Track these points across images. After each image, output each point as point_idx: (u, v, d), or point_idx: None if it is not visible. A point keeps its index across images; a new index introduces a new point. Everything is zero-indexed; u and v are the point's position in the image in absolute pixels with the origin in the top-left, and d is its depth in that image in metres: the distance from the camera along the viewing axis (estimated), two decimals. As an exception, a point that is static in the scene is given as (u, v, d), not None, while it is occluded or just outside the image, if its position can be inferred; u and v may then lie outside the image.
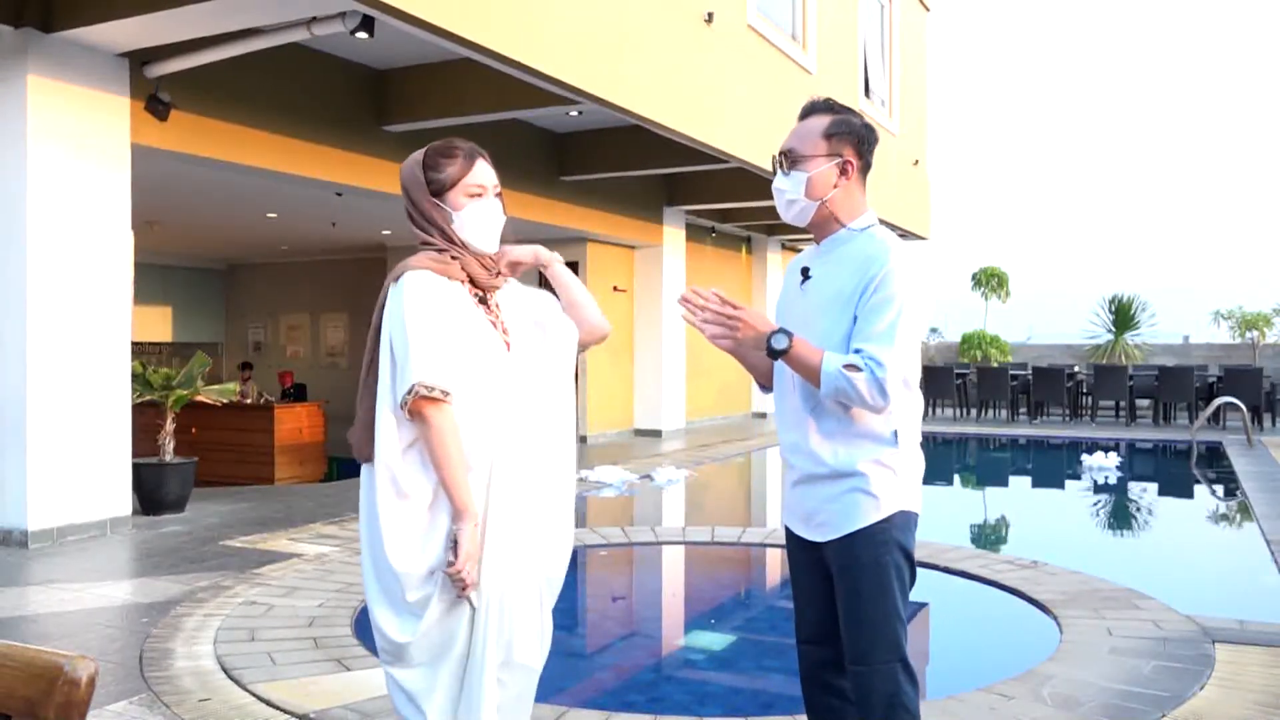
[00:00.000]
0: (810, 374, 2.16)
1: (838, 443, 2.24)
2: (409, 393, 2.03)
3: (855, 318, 2.19)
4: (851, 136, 2.31)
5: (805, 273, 2.35)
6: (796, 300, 2.35)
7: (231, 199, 10.50)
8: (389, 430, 2.09)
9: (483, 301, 2.22)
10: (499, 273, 2.26)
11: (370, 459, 2.13)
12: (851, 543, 2.23)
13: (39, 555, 5.81)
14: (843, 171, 2.30)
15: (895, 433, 2.25)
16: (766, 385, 2.50)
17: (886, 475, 2.23)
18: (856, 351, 2.14)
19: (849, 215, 2.31)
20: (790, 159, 2.32)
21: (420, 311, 2.07)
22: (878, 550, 2.22)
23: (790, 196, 2.32)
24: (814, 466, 2.27)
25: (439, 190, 2.20)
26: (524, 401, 2.20)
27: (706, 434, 13.87)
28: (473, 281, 2.20)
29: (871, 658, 2.22)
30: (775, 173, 2.36)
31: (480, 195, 2.21)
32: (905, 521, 2.26)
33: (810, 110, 2.38)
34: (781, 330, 2.16)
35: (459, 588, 2.04)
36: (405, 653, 2.11)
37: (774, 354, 2.16)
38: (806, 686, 2.44)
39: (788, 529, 2.43)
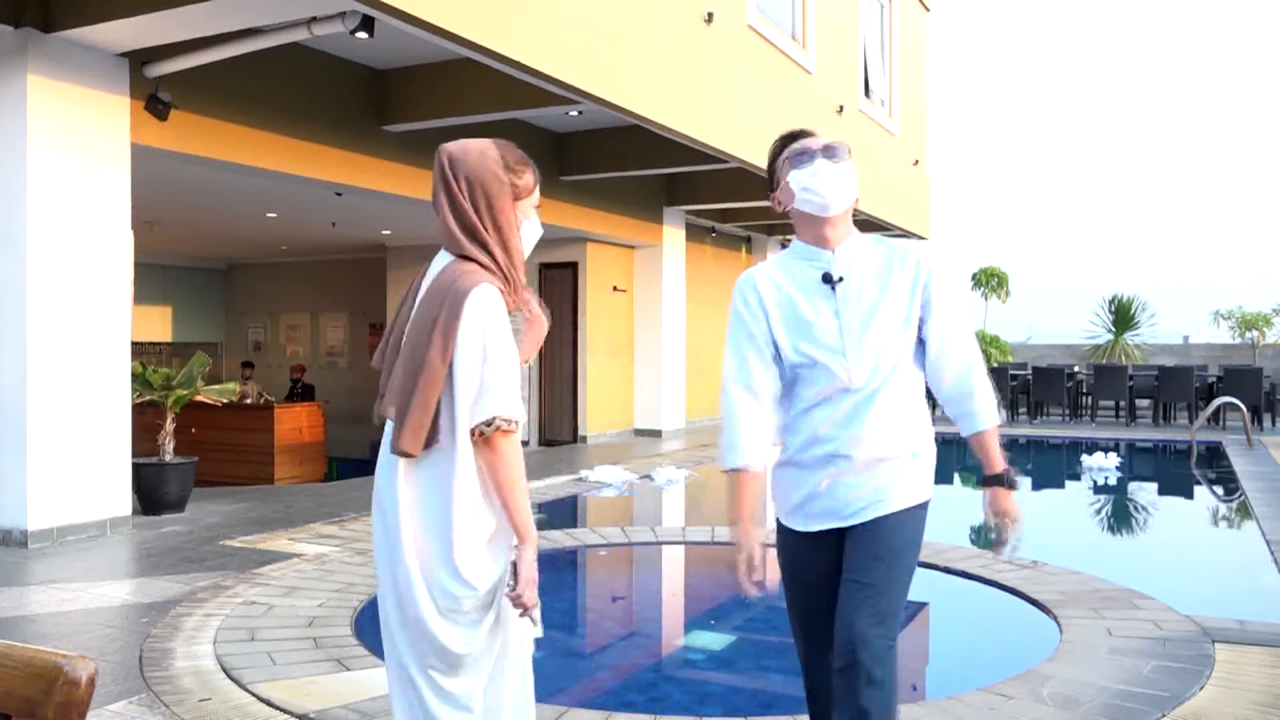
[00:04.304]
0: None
1: (901, 426, 2.33)
2: (488, 424, 2.03)
3: (919, 305, 2.34)
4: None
5: (829, 279, 2.32)
6: (825, 303, 2.32)
7: (231, 199, 10.50)
8: (468, 448, 2.08)
9: None
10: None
11: (418, 451, 2.06)
12: (897, 518, 2.31)
13: (39, 555, 5.81)
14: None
15: (930, 417, 2.43)
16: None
17: (928, 458, 2.40)
18: (943, 353, 2.35)
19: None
20: (837, 152, 2.36)
21: (504, 337, 2.07)
22: (918, 529, 2.36)
23: (849, 178, 2.35)
24: (872, 454, 2.31)
25: (516, 197, 2.20)
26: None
27: (706, 434, 13.86)
28: None
29: (890, 634, 2.23)
30: (801, 164, 2.35)
31: (536, 210, 2.28)
32: (927, 508, 2.40)
33: (805, 134, 2.45)
34: (998, 474, 2.41)
35: (519, 610, 2.07)
36: (464, 662, 2.10)
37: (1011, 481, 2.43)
38: (821, 701, 2.41)
39: (798, 532, 2.40)
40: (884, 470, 2.31)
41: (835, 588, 2.34)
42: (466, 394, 2.05)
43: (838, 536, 2.35)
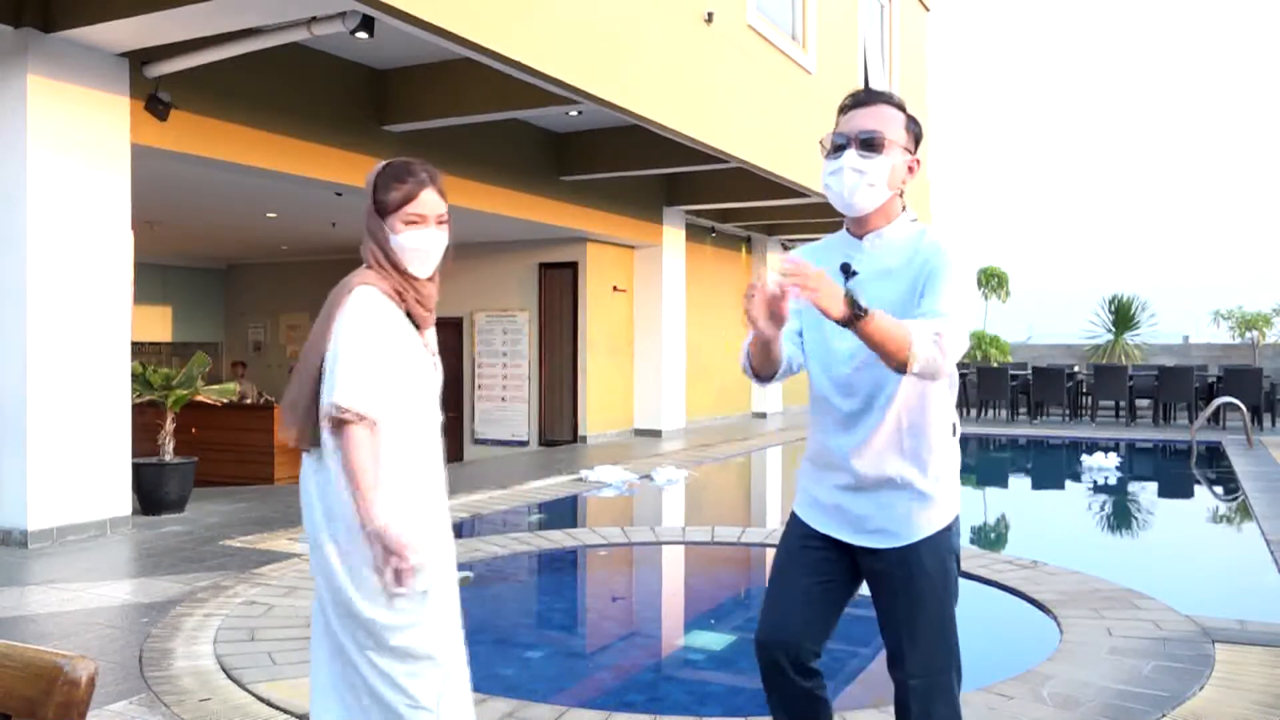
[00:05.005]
0: (892, 344, 1.95)
1: (905, 446, 2.17)
2: (328, 412, 2.14)
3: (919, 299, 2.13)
4: (920, 138, 2.26)
5: (847, 269, 2.22)
6: None
7: (231, 199, 10.50)
8: (329, 437, 2.20)
9: (416, 326, 2.33)
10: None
11: (303, 447, 2.23)
12: (917, 551, 2.17)
13: (39, 555, 5.81)
14: (909, 169, 2.24)
15: (954, 426, 2.23)
16: (765, 376, 2.31)
17: (950, 478, 2.21)
18: (924, 316, 2.04)
19: (897, 212, 2.25)
20: (874, 143, 2.17)
21: (358, 331, 2.17)
22: (942, 558, 2.18)
23: (871, 180, 2.17)
24: (875, 472, 2.18)
25: (382, 211, 2.27)
26: (439, 416, 2.38)
27: (706, 434, 13.87)
28: (408, 315, 2.30)
29: (932, 668, 2.16)
30: (833, 153, 2.21)
31: (419, 223, 2.27)
32: (957, 524, 2.24)
33: (882, 99, 2.24)
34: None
35: (395, 586, 2.12)
36: (399, 643, 2.15)
37: (856, 316, 1.92)
38: (770, 683, 2.29)
39: (808, 526, 2.31)
40: (893, 494, 2.18)
41: (815, 591, 2.26)
42: (324, 389, 2.18)
43: (849, 553, 2.24)
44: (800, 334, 2.35)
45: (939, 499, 2.19)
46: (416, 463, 2.26)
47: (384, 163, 2.33)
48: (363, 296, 2.20)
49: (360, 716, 2.21)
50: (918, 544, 2.17)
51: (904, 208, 2.27)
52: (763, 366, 2.28)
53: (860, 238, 2.25)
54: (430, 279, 2.33)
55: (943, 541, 2.19)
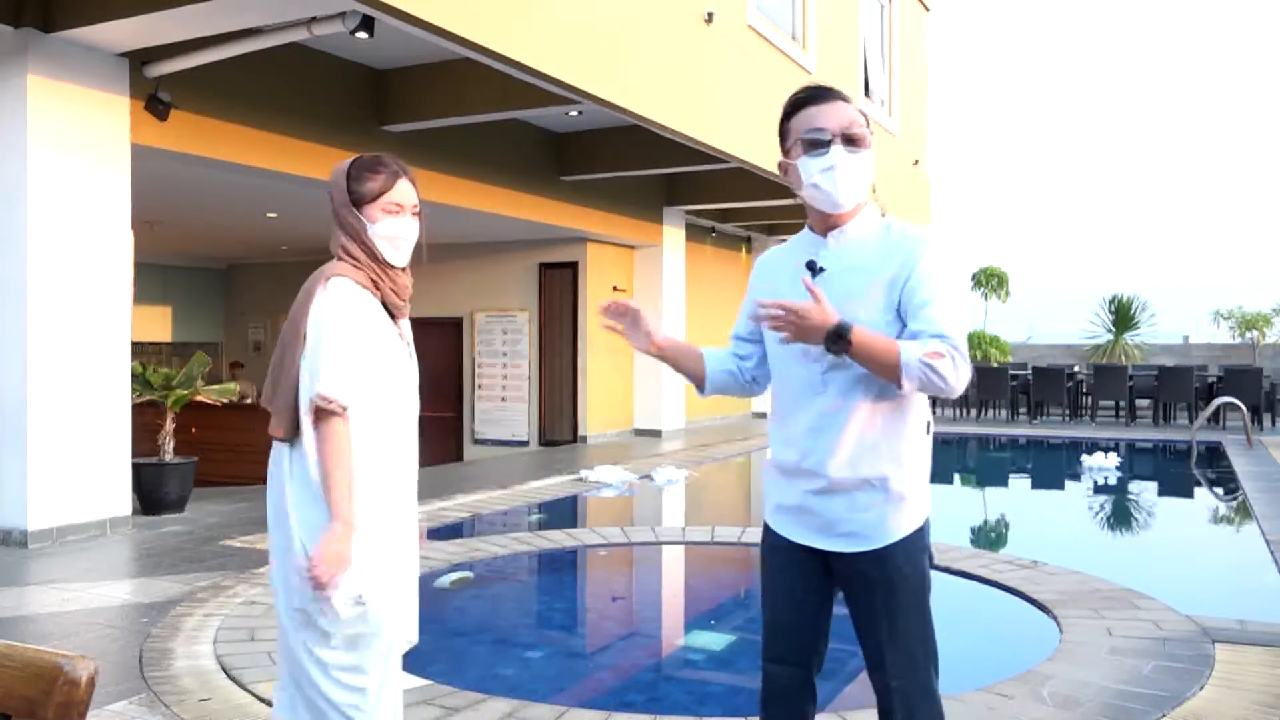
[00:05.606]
0: (883, 365, 1.99)
1: (881, 446, 2.11)
2: (311, 403, 2.18)
3: (899, 301, 2.08)
4: (867, 128, 2.22)
5: (813, 266, 2.17)
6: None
7: (231, 199, 10.49)
8: (309, 425, 2.22)
9: (391, 316, 2.37)
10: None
11: (287, 438, 2.26)
12: (891, 554, 2.12)
13: (39, 555, 5.81)
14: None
15: (928, 424, 2.19)
16: (700, 387, 2.38)
17: (921, 478, 2.17)
18: (918, 335, 2.02)
19: (862, 205, 2.21)
20: (858, 138, 2.13)
21: (339, 320, 2.21)
22: (917, 558, 2.14)
23: (863, 176, 2.14)
24: (849, 474, 2.12)
25: (358, 202, 2.32)
26: (415, 406, 2.40)
27: (706, 434, 13.87)
28: (384, 305, 2.34)
29: (914, 668, 2.14)
30: (815, 151, 2.13)
31: (397, 212, 2.33)
32: (928, 523, 2.20)
33: (835, 95, 2.17)
34: (843, 322, 1.98)
35: (313, 586, 2.12)
36: (349, 641, 2.19)
37: (837, 349, 1.99)
38: (774, 709, 2.27)
39: (778, 536, 2.26)
40: (867, 495, 2.12)
41: (806, 605, 2.23)
42: (306, 380, 2.21)
43: (822, 558, 2.19)
44: (754, 338, 2.34)
45: (913, 500, 2.14)
46: (391, 452, 2.28)
47: (351, 159, 2.38)
48: (339, 287, 2.24)
49: (295, 694, 2.24)
50: (893, 546, 2.13)
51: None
52: (689, 377, 2.40)
53: (824, 234, 2.21)
54: (404, 269, 2.38)
55: (916, 541, 2.15)
